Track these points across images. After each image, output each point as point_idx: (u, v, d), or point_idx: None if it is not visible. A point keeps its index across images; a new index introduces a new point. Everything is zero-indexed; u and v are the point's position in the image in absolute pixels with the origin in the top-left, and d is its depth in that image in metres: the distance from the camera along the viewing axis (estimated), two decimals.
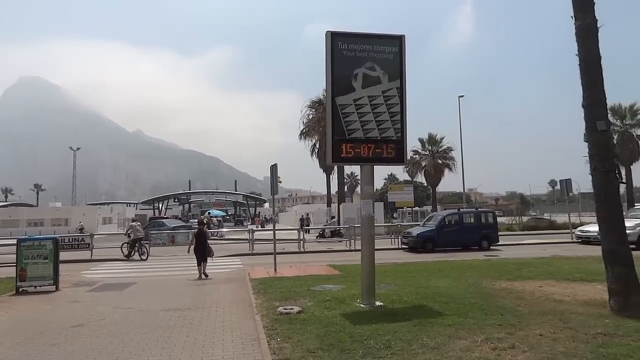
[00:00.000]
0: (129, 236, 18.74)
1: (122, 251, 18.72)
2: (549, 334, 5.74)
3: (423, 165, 42.75)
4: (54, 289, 10.43)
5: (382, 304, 7.84)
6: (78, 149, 76.04)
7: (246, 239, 22.08)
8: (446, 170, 42.07)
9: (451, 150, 41.93)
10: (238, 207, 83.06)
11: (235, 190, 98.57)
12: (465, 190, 38.83)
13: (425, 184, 54.10)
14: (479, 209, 23.10)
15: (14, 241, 11.51)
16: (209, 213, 53.22)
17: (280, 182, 14.01)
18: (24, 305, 8.86)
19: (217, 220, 47.25)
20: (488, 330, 5.99)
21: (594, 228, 19.25)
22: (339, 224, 31.40)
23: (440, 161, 42.07)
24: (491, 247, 19.68)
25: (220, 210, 70.82)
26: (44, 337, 6.39)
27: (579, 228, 22.70)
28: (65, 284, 11.04)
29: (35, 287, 10.39)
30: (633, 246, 17.66)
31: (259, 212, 71.82)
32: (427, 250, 19.05)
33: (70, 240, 19.63)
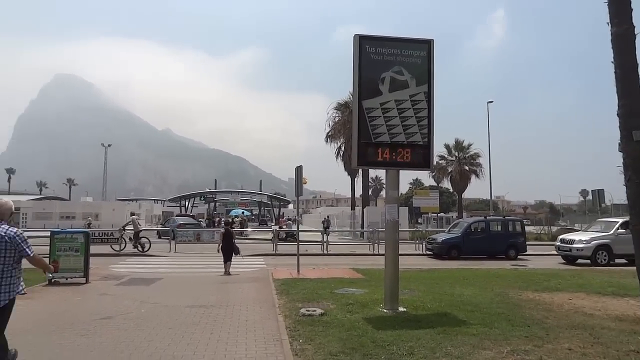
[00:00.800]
0: (123, 229, 19.55)
1: (113, 248, 19.26)
2: (579, 348, 5.58)
3: (449, 171, 42.19)
4: (84, 281, 10.75)
5: (405, 309, 7.78)
6: (109, 146, 78.14)
7: (270, 239, 22.26)
8: (473, 177, 41.42)
9: (478, 156, 41.29)
10: (262, 208, 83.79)
11: (260, 191, 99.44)
12: (493, 198, 38.15)
13: (451, 190, 53.42)
14: (506, 217, 22.70)
15: (48, 233, 11.95)
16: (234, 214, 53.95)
17: (306, 182, 14.07)
18: (56, 296, 9.16)
19: (242, 219, 47.72)
20: (514, 341, 5.86)
21: (577, 237, 18.14)
22: (362, 227, 31.35)
23: (467, 167, 41.45)
24: (518, 257, 19.29)
25: (245, 209, 71.56)
26: (74, 327, 6.60)
27: (559, 237, 19.81)
28: (94, 277, 11.36)
29: (66, 279, 10.72)
30: (587, 261, 16.97)
31: (283, 213, 72.24)
32: (452, 257, 18.80)
33: (101, 235, 20.17)
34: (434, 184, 51.50)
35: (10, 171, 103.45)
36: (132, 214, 22.45)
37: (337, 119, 35.98)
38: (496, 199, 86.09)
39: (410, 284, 10.48)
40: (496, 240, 19.81)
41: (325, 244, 21.06)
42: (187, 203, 75.99)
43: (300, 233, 15.13)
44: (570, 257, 17.72)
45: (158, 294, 9.59)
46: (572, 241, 17.77)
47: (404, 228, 28.37)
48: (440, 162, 41.79)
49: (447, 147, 42.41)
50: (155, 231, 29.40)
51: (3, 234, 4.43)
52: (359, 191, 38.69)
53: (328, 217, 39.45)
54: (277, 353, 5.41)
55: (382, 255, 8.62)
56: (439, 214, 42.46)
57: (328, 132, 36.40)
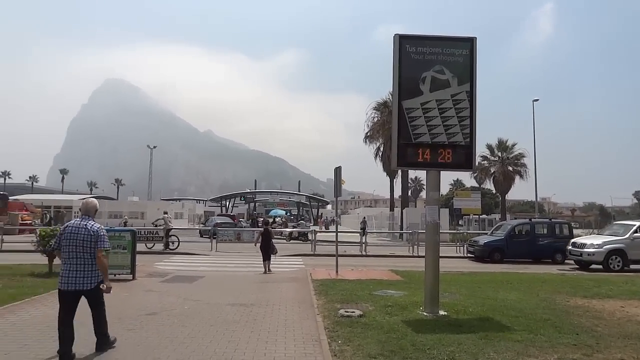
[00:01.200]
0: (155, 226, 20.22)
1: (147, 246, 19.74)
2: (632, 359, 5.30)
3: (492, 171, 41.08)
4: (131, 278, 11.17)
5: (446, 313, 7.63)
6: (154, 147, 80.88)
7: (308, 240, 22.38)
8: (517, 178, 40.17)
9: (523, 156, 40.00)
10: (301, 208, 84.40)
11: (299, 191, 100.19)
12: (538, 199, 36.74)
13: (494, 192, 51.98)
14: (552, 220, 21.81)
15: None
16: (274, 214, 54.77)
17: (344, 183, 14.06)
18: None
19: (282, 219, 48.24)
20: (561, 349, 5.64)
21: (589, 240, 16.96)
22: (401, 228, 30.99)
23: (510, 168, 40.22)
24: (565, 261, 18.48)
25: (283, 210, 72.32)
26: (122, 322, 6.87)
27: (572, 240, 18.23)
28: (140, 274, 11.78)
29: (115, 275, 11.15)
30: (600, 266, 15.89)
31: (322, 214, 72.49)
32: (495, 260, 18.26)
33: (146, 233, 20.90)
34: (476, 185, 50.19)
35: (63, 172, 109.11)
36: (165, 212, 23.23)
37: (376, 119, 35.73)
38: (542, 201, 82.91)
39: (451, 287, 10.28)
40: (542, 244, 19.09)
41: (363, 245, 20.96)
42: (227, 203, 77.67)
43: (337, 234, 15.12)
44: (582, 262, 16.67)
45: (200, 291, 9.84)
46: (583, 245, 16.75)
47: (445, 230, 27.79)
48: (483, 162, 40.75)
49: (489, 147, 41.31)
50: (198, 230, 30.18)
51: (90, 227, 5.26)
52: (398, 192, 38.36)
53: (365, 218, 39.27)
54: (316, 353, 5.43)
55: (422, 257, 8.49)
56: (480, 216, 41.31)
57: (367, 133, 36.20)
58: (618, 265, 15.77)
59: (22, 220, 31.75)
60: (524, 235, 19.42)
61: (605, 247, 16.02)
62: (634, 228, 16.44)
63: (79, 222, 5.36)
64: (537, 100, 35.11)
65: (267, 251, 13.65)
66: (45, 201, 49.91)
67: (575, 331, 6.57)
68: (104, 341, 5.41)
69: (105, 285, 5.26)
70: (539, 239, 19.21)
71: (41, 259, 11.95)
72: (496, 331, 6.46)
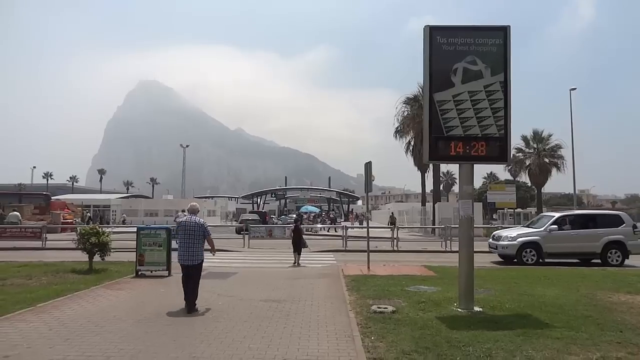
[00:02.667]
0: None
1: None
2: None
3: (527, 164, 39.93)
4: (167, 274, 11.44)
5: (481, 309, 7.47)
6: (187, 146, 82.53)
7: (339, 235, 22.37)
8: (554, 170, 38.90)
9: (560, 147, 38.69)
10: (332, 204, 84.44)
11: (329, 187, 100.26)
12: (576, 192, 35.43)
13: (529, 184, 50.51)
14: None
15: (134, 229, 12.89)
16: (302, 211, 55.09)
17: (374, 179, 13.96)
18: (143, 288, 9.85)
19: (312, 215, 48.50)
20: (604, 347, 5.42)
21: (505, 233, 16.39)
22: (433, 223, 30.56)
23: (546, 160, 39.00)
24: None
25: (314, 206, 72.55)
26: (159, 317, 7.06)
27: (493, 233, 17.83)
28: (176, 270, 11.98)
29: (151, 272, 11.49)
30: (515, 260, 15.21)
31: (352, 209, 72.35)
32: None
33: None
34: (510, 177, 48.90)
35: (101, 172, 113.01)
36: (183, 210, 24.00)
37: (406, 114, 35.28)
38: (580, 193, 79.96)
39: (486, 282, 10.06)
40: None
41: (395, 240, 20.78)
42: (259, 200, 78.55)
43: (368, 229, 15.04)
44: (502, 256, 15.95)
45: (234, 287, 9.99)
46: (499, 237, 16.14)
47: (478, 224, 27.20)
48: (517, 154, 39.68)
49: (524, 138, 40.17)
50: (234, 228, 30.62)
51: (198, 222, 7.80)
52: (429, 186, 37.76)
53: (392, 213, 38.96)
54: (349, 349, 5.41)
55: (455, 252, 8.34)
56: (515, 210, 40.23)
57: (397, 127, 35.81)
58: (532, 259, 15.07)
59: (63, 219, 33.03)
60: None
61: (518, 240, 15.40)
62: (551, 221, 15.75)
63: (189, 218, 7.82)
64: (574, 89, 33.82)
65: (298, 245, 14.94)
66: (85, 200, 51.75)
67: (619, 328, 6.32)
68: (193, 303, 7.46)
69: (214, 254, 8.65)
70: None
71: (82, 257, 12.39)
72: (534, 328, 6.28)
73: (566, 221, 15.94)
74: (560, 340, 5.70)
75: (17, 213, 28.59)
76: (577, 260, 15.51)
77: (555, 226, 15.42)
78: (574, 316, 7.02)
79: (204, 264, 8.01)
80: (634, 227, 15.68)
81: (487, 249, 19.71)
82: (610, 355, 5.11)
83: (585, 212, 17.92)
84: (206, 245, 8.02)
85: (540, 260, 15.06)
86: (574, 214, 17.15)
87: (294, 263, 14.64)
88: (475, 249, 8.09)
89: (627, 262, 15.15)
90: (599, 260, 15.16)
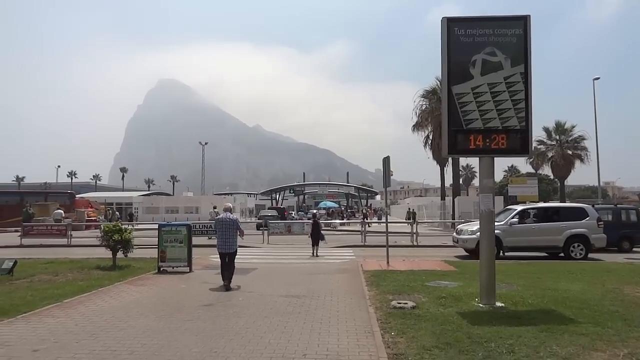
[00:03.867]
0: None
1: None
2: None
3: (549, 156, 39.19)
4: (188, 270, 11.59)
5: (503, 305, 7.36)
6: (206, 144, 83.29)
7: (358, 231, 22.32)
8: (577, 162, 38.06)
9: (583, 139, 37.85)
10: (350, 199, 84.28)
11: (347, 183, 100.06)
12: (601, 184, 34.56)
13: (552, 177, 49.58)
14: (618, 205, 20.49)
15: (156, 226, 13.08)
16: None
17: (392, 174, 13.89)
18: (165, 284, 10.00)
19: (330, 211, 48.57)
20: (632, 343, 5.29)
21: (467, 227, 15.94)
22: (453, 218, 30.24)
23: (569, 152, 38.20)
24: (634, 249, 17.35)
25: (332, 201, 72.54)
26: (181, 313, 7.16)
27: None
28: (197, 266, 12.21)
29: (173, 268, 11.66)
30: (466, 254, 15.00)
31: (371, 204, 72.08)
32: None
33: (201, 227, 21.63)
34: (532, 170, 48.07)
35: (123, 170, 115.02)
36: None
37: (424, 107, 34.94)
38: (605, 185, 78.04)
39: (507, 277, 9.92)
40: (606, 231, 17.96)
41: (414, 235, 20.64)
42: (277, 196, 78.85)
43: (387, 224, 14.97)
44: (466, 250, 15.64)
45: (253, 283, 10.06)
46: (461, 231, 15.87)
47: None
48: (539, 147, 38.96)
49: (546, 130, 39.42)
50: (254, 224, 30.84)
51: (232, 218, 9.65)
52: (448, 180, 37.37)
53: (409, 209, 38.73)
54: (369, 345, 5.40)
55: None
56: (537, 203, 39.53)
57: (416, 121, 35.52)
58: None
59: (87, 217, 33.77)
60: None
61: (477, 234, 14.94)
62: (513, 214, 15.39)
63: (225, 215, 9.66)
64: (597, 78, 33.00)
65: (316, 238, 16.30)
66: (108, 198, 52.83)
67: None
68: (229, 281, 9.30)
69: (242, 237, 10.16)
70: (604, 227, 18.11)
71: (106, 253, 12.65)
72: (558, 324, 6.16)
73: (529, 214, 15.74)
74: (586, 336, 5.58)
75: (61, 211, 29.36)
76: (546, 254, 15.44)
77: (517, 220, 15.20)
78: (599, 312, 6.87)
79: (218, 260, 8.60)
80: (599, 220, 15.45)
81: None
82: (639, 352, 4.98)
83: (550, 205, 17.57)
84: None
85: (501, 255, 14.84)
86: (537, 207, 16.66)
87: (312, 254, 15.76)
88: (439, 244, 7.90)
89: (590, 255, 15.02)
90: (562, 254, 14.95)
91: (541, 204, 17.88)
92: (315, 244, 16.18)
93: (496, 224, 15.44)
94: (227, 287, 9.10)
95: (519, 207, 16.29)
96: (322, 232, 16.92)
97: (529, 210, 15.93)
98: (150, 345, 5.44)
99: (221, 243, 9.47)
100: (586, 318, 6.46)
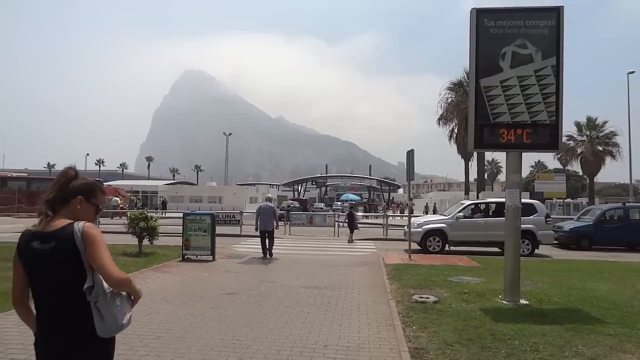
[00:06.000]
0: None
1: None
2: None
3: (579, 152, 38.18)
4: (211, 259, 11.78)
5: (527, 302, 7.24)
6: (230, 134, 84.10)
7: (380, 224, 22.23)
8: (608, 159, 36.95)
9: (615, 135, 36.70)
10: (372, 192, 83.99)
11: (370, 175, 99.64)
12: (632, 182, 33.47)
13: (581, 173, 48.30)
14: None
15: (180, 214, 13.33)
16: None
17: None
18: (188, 271, 10.19)
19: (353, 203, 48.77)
20: None
21: (420, 220, 15.76)
22: None
23: (600, 148, 37.11)
24: None
25: (354, 194, 72.41)
26: (204, 300, 7.29)
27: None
28: (219, 255, 12.39)
29: (196, 256, 11.87)
30: (419, 248, 14.62)
31: (393, 198, 71.69)
32: (582, 247, 17.00)
33: (224, 217, 21.92)
34: (560, 166, 46.89)
35: (149, 159, 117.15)
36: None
37: (450, 100, 34.42)
38: (637, 183, 75.51)
39: (532, 275, 9.73)
40: (637, 230, 17.47)
41: None
42: (299, 187, 79.20)
43: (409, 218, 14.86)
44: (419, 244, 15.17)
45: (275, 273, 10.16)
46: (412, 225, 15.27)
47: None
48: (568, 142, 37.97)
49: (577, 125, 38.35)
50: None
51: (270, 206, 12.83)
52: (472, 175, 36.86)
53: (427, 204, 38.42)
54: (390, 338, 5.39)
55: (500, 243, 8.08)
56: (565, 200, 38.56)
57: (441, 114, 35.03)
58: (437, 247, 14.69)
59: (120, 205, 34.55)
60: (616, 221, 17.90)
61: (424, 227, 14.99)
62: (460, 208, 15.33)
63: (266, 203, 12.81)
64: (632, 72, 31.79)
65: (352, 225, 18.38)
66: (134, 187, 53.96)
67: None
68: (271, 253, 12.44)
69: (277, 227, 12.90)
70: (634, 225, 17.60)
71: (132, 240, 12.95)
72: (585, 323, 6.02)
73: (478, 209, 15.64)
74: (614, 337, 5.44)
75: (117, 198, 30.12)
76: (499, 250, 14.59)
77: (463, 214, 15.07)
78: (628, 312, 6.68)
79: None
80: (547, 216, 15.29)
81: None
82: None
83: (498, 200, 17.22)
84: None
85: (446, 249, 14.77)
86: (486, 202, 16.53)
87: (349, 240, 17.69)
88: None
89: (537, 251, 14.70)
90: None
91: (490, 199, 17.57)
92: (351, 231, 18.27)
93: (442, 218, 15.89)
94: (270, 254, 12.37)
95: (468, 202, 16.44)
96: (355, 221, 19.11)
97: (479, 205, 16.01)
98: (175, 331, 5.57)
99: (262, 223, 12.43)
100: (614, 319, 6.30)
